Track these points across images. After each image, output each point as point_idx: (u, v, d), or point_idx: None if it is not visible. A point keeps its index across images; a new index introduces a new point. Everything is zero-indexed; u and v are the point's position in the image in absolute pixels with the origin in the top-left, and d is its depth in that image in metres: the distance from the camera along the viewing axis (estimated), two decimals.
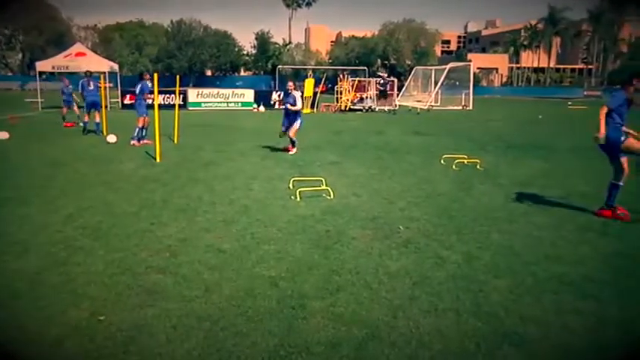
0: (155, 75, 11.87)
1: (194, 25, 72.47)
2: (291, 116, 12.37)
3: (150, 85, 13.43)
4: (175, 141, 13.90)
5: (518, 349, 3.47)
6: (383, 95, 29.76)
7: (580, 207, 7.31)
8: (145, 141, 13.31)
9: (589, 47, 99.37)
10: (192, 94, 30.33)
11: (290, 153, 12.29)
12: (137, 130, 13.32)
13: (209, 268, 4.85)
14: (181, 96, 27.99)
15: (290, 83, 12.92)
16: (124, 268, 4.83)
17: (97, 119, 15.96)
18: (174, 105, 16.08)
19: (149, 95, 13.76)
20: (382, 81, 30.54)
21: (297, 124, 12.32)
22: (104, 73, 24.97)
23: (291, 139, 12.39)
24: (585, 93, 74.35)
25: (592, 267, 5.01)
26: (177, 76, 16.28)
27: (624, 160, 6.78)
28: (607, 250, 5.54)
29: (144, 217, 6.55)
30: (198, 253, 5.25)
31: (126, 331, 3.67)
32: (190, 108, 28.65)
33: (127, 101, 27.56)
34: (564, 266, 5.02)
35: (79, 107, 18.09)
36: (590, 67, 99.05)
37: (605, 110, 6.62)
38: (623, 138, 6.66)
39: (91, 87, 15.77)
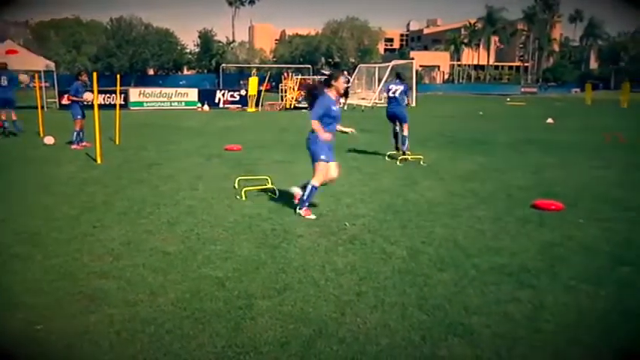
0: (94, 74, 11.54)
1: (135, 23, 70.86)
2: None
3: (83, 86, 12.92)
4: (117, 142, 13.56)
5: (462, 339, 3.56)
6: (345, 94, 29.72)
7: (519, 199, 7.56)
8: (85, 143, 12.91)
9: (525, 46, 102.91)
10: (134, 93, 29.65)
11: None
12: (75, 133, 12.85)
13: (154, 271, 4.76)
14: (122, 96, 27.30)
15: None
16: (64, 273, 4.68)
17: (14, 118, 15.14)
18: (115, 105, 15.64)
19: (80, 97, 12.91)
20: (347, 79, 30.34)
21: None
22: (39, 71, 24.09)
23: None
24: (522, 90, 76.97)
25: (529, 257, 5.20)
26: (118, 75, 15.89)
27: None
28: (543, 240, 5.75)
29: (85, 221, 6.37)
30: (143, 256, 5.15)
31: (66, 339, 3.55)
32: (132, 108, 28.00)
33: (64, 101, 26.63)
34: (504, 257, 5.19)
35: None
36: (526, 64, 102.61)
37: None
38: None
39: (4, 83, 14.72)
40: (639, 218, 6.69)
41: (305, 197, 6.66)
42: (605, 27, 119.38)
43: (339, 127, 7.01)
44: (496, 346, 3.48)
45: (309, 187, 6.66)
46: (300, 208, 6.65)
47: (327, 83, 6.80)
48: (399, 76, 12.34)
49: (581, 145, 14.25)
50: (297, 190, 6.92)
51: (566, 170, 10.22)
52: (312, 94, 6.76)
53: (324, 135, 6.56)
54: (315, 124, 6.54)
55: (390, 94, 11.84)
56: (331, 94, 6.72)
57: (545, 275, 4.72)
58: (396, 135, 11.93)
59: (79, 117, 12.81)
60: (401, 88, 11.70)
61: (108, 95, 26.92)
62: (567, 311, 4.01)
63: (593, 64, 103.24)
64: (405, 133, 11.57)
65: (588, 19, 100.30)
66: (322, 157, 6.61)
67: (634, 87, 47.61)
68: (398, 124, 11.85)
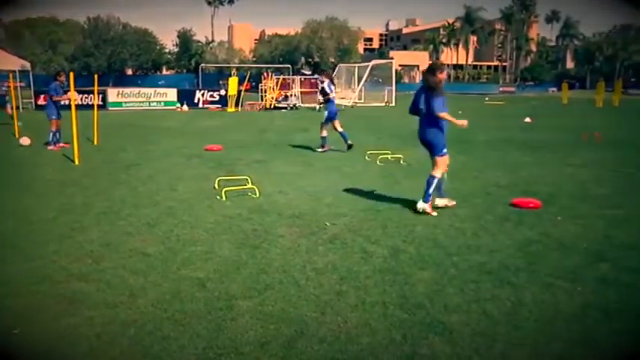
0: (71, 74, 11.39)
1: (112, 22, 70.11)
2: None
3: (60, 86, 12.75)
4: (95, 142, 13.41)
5: (442, 338, 3.58)
6: (323, 93, 29.58)
7: (498, 198, 7.64)
8: (62, 144, 12.74)
9: (503, 45, 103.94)
10: (112, 93, 29.35)
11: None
12: (51, 134, 12.68)
13: (133, 273, 4.72)
14: (100, 96, 27.02)
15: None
16: (42, 276, 4.62)
17: None
18: (92, 105, 15.46)
19: (59, 97, 12.80)
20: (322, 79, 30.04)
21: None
22: (14, 71, 23.71)
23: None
24: (501, 89, 77.72)
25: (508, 255, 5.26)
26: (96, 76, 15.71)
27: None
28: (522, 238, 5.82)
29: (63, 223, 6.29)
30: (122, 258, 5.10)
31: (44, 342, 3.51)
32: (111, 108, 27.71)
33: (40, 102, 26.28)
34: (484, 255, 5.24)
35: None
36: (504, 64, 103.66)
37: None
38: None
39: None
40: (615, 215, 6.80)
41: (430, 190, 6.76)
42: (580, 27, 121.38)
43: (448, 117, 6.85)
44: (476, 344, 3.51)
45: (433, 180, 6.78)
46: (425, 201, 6.75)
47: (434, 77, 6.74)
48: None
49: (558, 144, 14.44)
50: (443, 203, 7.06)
51: (544, 168, 10.35)
52: (431, 88, 6.72)
53: (461, 122, 6.79)
54: (447, 115, 6.66)
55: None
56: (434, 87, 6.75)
57: (523, 273, 4.78)
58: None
59: (54, 117, 12.63)
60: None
61: (86, 95, 26.60)
62: (546, 308, 4.06)
63: (570, 64, 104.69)
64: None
65: (564, 20, 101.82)
66: (444, 150, 6.84)
67: (608, 86, 48.37)
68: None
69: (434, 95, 6.65)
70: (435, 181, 6.81)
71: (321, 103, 28.91)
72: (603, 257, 5.18)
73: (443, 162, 6.88)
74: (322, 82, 12.53)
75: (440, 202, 7.04)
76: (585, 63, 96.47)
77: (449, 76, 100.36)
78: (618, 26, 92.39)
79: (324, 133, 12.41)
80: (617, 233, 6.00)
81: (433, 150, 6.92)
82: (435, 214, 6.73)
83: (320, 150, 12.37)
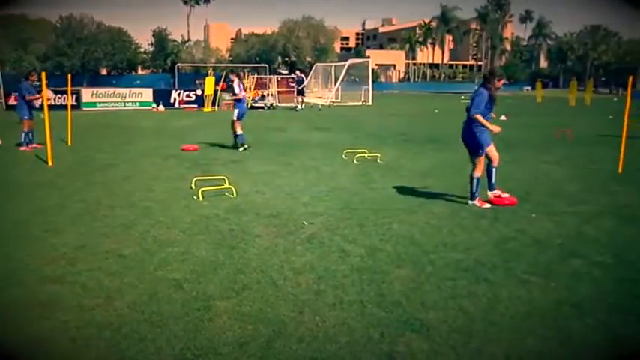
0: (43, 74, 11.21)
1: (86, 21, 69.08)
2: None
3: (32, 85, 12.54)
4: (69, 143, 13.22)
5: (419, 335, 3.62)
6: (300, 93, 29.47)
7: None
8: (34, 145, 12.53)
9: (478, 44, 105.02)
10: (87, 93, 28.90)
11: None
12: (23, 134, 12.45)
13: (109, 275, 4.67)
14: (74, 96, 26.61)
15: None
16: (15, 280, 4.54)
17: None
18: (66, 105, 15.23)
19: (32, 96, 12.58)
20: (298, 78, 29.91)
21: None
22: None
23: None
24: (476, 88, 78.34)
25: (485, 252, 5.32)
26: (69, 75, 15.47)
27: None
28: (497, 235, 5.90)
29: (37, 225, 6.19)
30: (98, 260, 5.04)
31: (17, 348, 3.45)
32: (85, 108, 27.30)
33: (11, 102, 25.79)
34: (460, 253, 5.29)
35: None
36: (479, 63, 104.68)
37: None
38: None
39: None
40: (587, 212, 6.92)
41: (474, 190, 7.19)
42: (553, 27, 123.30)
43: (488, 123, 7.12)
44: (452, 340, 3.55)
45: (474, 181, 7.18)
46: (472, 200, 7.23)
47: (487, 81, 7.11)
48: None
49: (532, 142, 14.65)
50: (493, 194, 7.41)
51: (519, 166, 10.48)
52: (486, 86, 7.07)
53: (494, 128, 7.05)
54: (480, 117, 6.93)
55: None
56: (488, 90, 7.05)
57: (499, 269, 4.84)
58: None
59: (26, 118, 12.42)
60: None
61: (59, 95, 26.14)
62: (521, 304, 4.12)
63: (543, 63, 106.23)
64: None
65: (537, 20, 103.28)
66: (481, 150, 7.10)
67: (580, 85, 49.20)
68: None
69: (475, 97, 7.03)
70: (475, 181, 7.18)
71: (301, 102, 29.12)
72: (576, 253, 5.28)
73: (480, 162, 7.16)
74: (232, 82, 12.56)
75: (490, 194, 7.41)
76: (558, 62, 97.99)
77: (424, 75, 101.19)
78: (588, 27, 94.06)
79: (239, 131, 12.48)
80: (589, 229, 6.12)
81: (469, 151, 7.24)
82: (487, 206, 7.14)
83: (241, 149, 12.40)
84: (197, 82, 41.05)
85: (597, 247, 5.49)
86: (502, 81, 7.20)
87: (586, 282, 4.56)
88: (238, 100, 12.45)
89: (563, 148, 13.49)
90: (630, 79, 11.34)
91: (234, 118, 12.42)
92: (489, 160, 7.30)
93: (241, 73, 29.98)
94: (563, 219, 6.55)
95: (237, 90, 12.37)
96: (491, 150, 7.26)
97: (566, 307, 4.07)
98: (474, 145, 7.13)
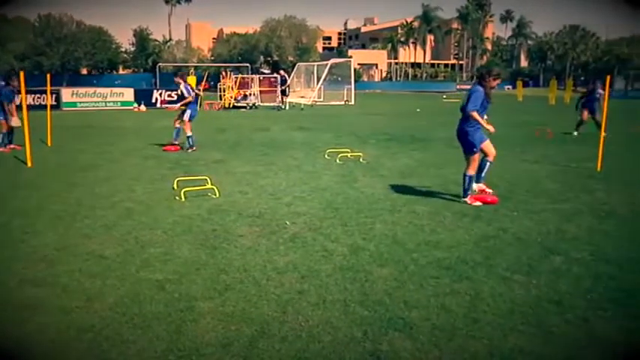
0: (21, 73, 11.05)
1: (65, 20, 68.29)
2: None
3: (12, 91, 12.31)
4: (49, 144, 13.06)
5: (402, 333, 3.63)
6: (283, 93, 29.39)
7: (456, 194, 7.75)
8: (13, 145, 12.36)
9: (459, 44, 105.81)
10: (67, 93, 28.64)
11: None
12: (1, 136, 12.28)
13: (91, 277, 4.62)
14: (54, 96, 26.33)
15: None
16: None
17: None
18: (45, 105, 15.04)
19: (9, 106, 12.23)
20: (282, 78, 29.77)
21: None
22: None
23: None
24: (458, 87, 79.13)
25: (467, 250, 5.36)
26: (48, 75, 15.28)
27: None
28: (479, 233, 5.94)
29: (16, 227, 6.10)
30: (79, 261, 4.98)
31: None
32: (65, 108, 27.02)
33: None
34: (443, 251, 5.32)
35: None
36: (461, 62, 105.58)
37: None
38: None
39: None
40: (567, 210, 7.00)
41: (466, 187, 7.29)
42: (533, 27, 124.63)
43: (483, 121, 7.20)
44: (435, 338, 3.57)
45: (467, 178, 7.27)
46: (464, 197, 7.30)
47: (483, 79, 7.16)
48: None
49: (513, 140, 14.77)
50: (478, 187, 7.51)
51: (500, 164, 10.53)
52: (481, 84, 7.14)
53: (489, 126, 7.10)
54: (477, 115, 7.01)
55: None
56: (484, 88, 7.10)
57: (481, 267, 4.88)
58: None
59: (1, 118, 12.24)
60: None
61: (38, 95, 25.82)
62: (503, 301, 4.15)
63: (524, 63, 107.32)
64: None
65: (517, 20, 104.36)
66: (475, 149, 7.17)
67: (560, 84, 49.79)
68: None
69: (471, 94, 7.08)
70: (467, 178, 7.25)
71: (283, 102, 29.05)
72: (556, 250, 5.34)
73: (474, 160, 7.22)
74: (179, 84, 12.60)
75: (475, 187, 7.45)
76: (538, 62, 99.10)
77: (406, 75, 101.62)
78: (567, 27, 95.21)
79: (189, 132, 12.46)
80: (568, 227, 6.19)
81: (463, 149, 7.33)
82: (478, 203, 7.18)
83: (190, 150, 12.37)
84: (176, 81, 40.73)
85: (577, 244, 5.56)
86: (498, 80, 7.24)
87: (566, 279, 4.62)
88: (187, 104, 12.44)
89: (543, 146, 13.64)
90: (608, 79, 11.52)
91: (186, 120, 12.39)
92: (484, 154, 7.38)
93: (223, 73, 29.79)
94: (543, 217, 6.62)
95: (186, 94, 12.41)
96: (487, 145, 7.32)
97: (546, 303, 4.11)
98: (467, 143, 7.20)
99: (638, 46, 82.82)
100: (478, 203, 7.18)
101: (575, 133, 16.10)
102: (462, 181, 7.36)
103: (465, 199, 7.26)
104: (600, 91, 15.93)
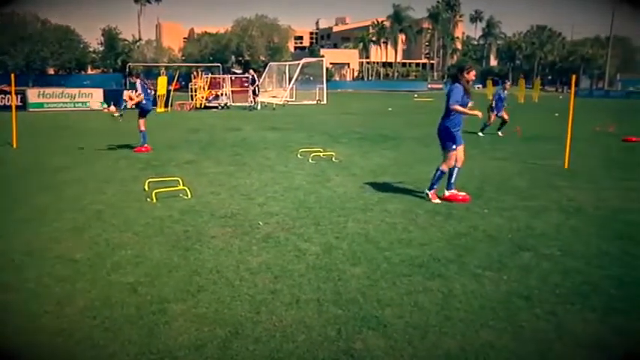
0: None
1: (29, 19, 66.80)
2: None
3: None
4: (14, 145, 12.79)
5: (376, 332, 3.65)
6: (254, 92, 29.21)
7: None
8: None
9: (430, 43, 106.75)
10: (33, 94, 28.02)
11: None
12: None
13: (60, 281, 4.54)
14: (19, 96, 25.75)
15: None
16: None
17: None
18: (10, 106, 14.72)
19: None
20: (252, 78, 29.56)
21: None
22: None
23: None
24: (429, 86, 79.89)
25: (439, 248, 5.42)
26: (12, 75, 14.96)
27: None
28: (451, 230, 6.01)
29: None
30: (47, 266, 4.89)
31: None
32: (31, 109, 26.45)
33: None
34: (415, 249, 5.37)
35: None
36: (432, 62, 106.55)
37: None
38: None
39: None
40: (535, 206, 7.13)
41: (434, 180, 7.41)
42: (502, 27, 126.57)
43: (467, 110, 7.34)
44: (409, 335, 3.60)
45: (437, 172, 7.39)
46: (429, 190, 7.43)
47: (458, 78, 7.30)
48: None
49: (483, 138, 14.99)
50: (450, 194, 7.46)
51: (471, 162, 10.68)
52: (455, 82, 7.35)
53: (475, 112, 7.39)
54: (459, 107, 7.14)
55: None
56: (462, 84, 7.22)
57: (453, 264, 4.94)
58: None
59: None
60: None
61: (2, 96, 25.25)
62: (474, 298, 4.21)
63: (493, 62, 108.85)
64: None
65: (487, 20, 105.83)
66: (454, 146, 7.29)
67: (528, 83, 50.66)
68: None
69: (450, 92, 7.23)
70: (439, 172, 7.36)
71: (255, 102, 28.92)
72: (525, 246, 5.44)
73: (450, 157, 7.30)
74: (135, 82, 12.82)
75: (447, 193, 7.45)
76: (507, 61, 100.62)
77: (378, 74, 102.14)
78: (535, 27, 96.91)
79: (143, 128, 12.61)
80: (537, 223, 6.31)
81: (441, 144, 7.46)
82: (437, 201, 7.29)
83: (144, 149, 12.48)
84: (149, 82, 40.33)
85: (545, 240, 5.67)
86: (473, 71, 7.37)
87: (535, 274, 4.70)
88: (140, 102, 12.56)
89: (512, 144, 13.86)
90: (574, 78, 11.77)
91: (139, 117, 12.57)
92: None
93: (194, 73, 29.56)
94: (513, 214, 6.73)
95: (140, 91, 12.57)
96: (459, 150, 7.40)
97: (516, 299, 4.18)
98: (446, 138, 7.32)
99: (602, 46, 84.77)
100: (438, 201, 7.30)
101: (500, 134, 16.27)
102: (433, 174, 7.46)
103: (428, 193, 7.40)
104: (504, 91, 16.78)
